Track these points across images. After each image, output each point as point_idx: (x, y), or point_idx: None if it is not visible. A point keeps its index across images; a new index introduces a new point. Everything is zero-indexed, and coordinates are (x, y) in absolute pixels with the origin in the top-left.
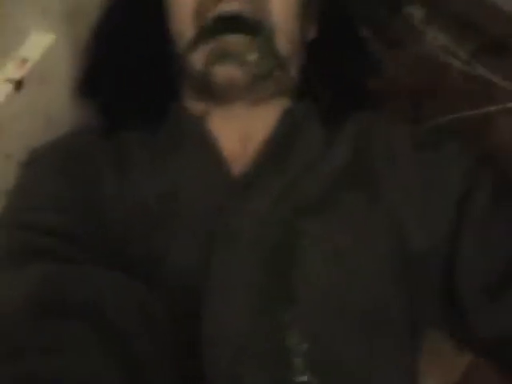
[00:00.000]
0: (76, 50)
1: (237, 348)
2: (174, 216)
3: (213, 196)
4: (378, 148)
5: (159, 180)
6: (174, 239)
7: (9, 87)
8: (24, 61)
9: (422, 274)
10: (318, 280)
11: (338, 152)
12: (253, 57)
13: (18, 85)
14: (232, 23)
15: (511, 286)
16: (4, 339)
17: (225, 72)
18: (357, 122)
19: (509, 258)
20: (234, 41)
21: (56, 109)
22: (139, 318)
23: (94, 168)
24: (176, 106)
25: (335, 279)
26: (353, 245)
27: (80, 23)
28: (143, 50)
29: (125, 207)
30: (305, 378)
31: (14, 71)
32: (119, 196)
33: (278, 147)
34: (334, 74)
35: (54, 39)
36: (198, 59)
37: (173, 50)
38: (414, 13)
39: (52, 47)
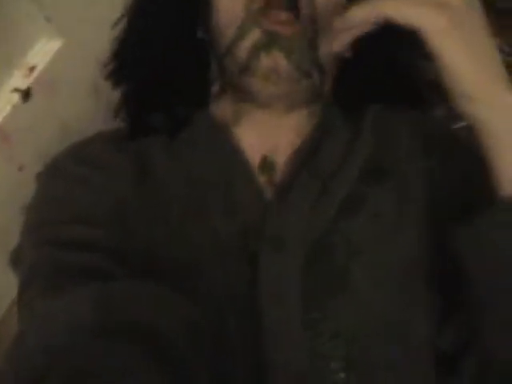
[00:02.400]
0: (85, 54)
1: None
2: (206, 230)
3: (247, 207)
4: (397, 144)
5: (186, 192)
6: (209, 253)
7: (15, 98)
8: (31, 68)
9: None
10: (357, 283)
11: (361, 148)
12: (300, 45)
13: (26, 95)
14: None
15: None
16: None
17: (270, 59)
18: (376, 114)
19: None
20: (284, 19)
21: (71, 115)
22: (187, 335)
23: (117, 177)
24: (202, 113)
25: (372, 281)
26: (388, 242)
27: (88, 27)
28: (175, 52)
29: (153, 219)
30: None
31: (20, 80)
32: (144, 206)
33: (309, 155)
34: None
35: (62, 44)
36: (243, 48)
37: (209, 50)
38: None
39: (60, 53)
